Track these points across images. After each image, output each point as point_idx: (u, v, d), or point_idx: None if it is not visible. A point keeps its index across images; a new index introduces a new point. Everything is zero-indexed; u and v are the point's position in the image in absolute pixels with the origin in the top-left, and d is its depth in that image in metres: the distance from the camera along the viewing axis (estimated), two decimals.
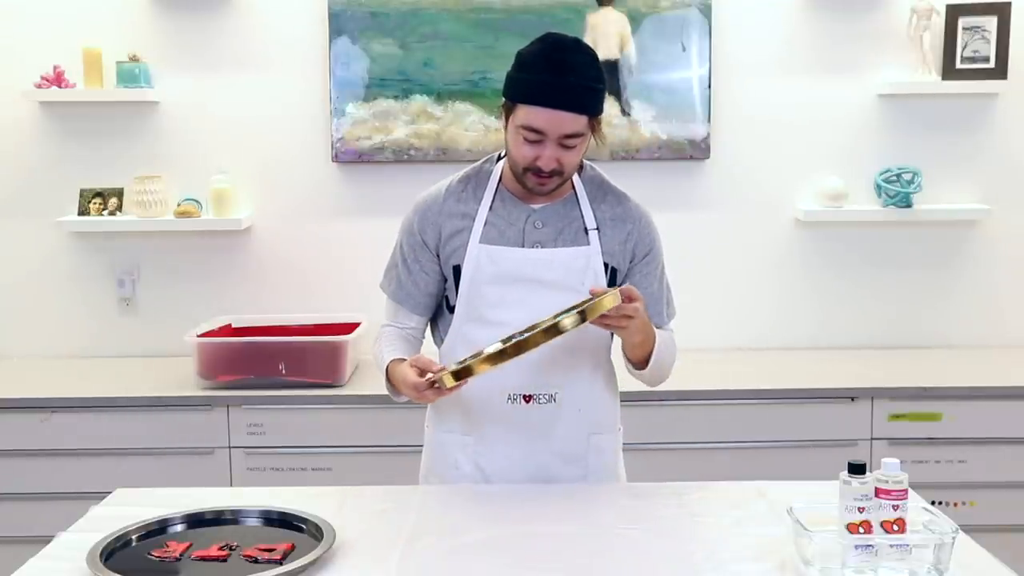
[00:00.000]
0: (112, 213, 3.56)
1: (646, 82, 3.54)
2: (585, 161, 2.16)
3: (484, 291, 2.11)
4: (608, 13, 3.50)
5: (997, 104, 3.62)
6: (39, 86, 3.48)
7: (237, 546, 1.82)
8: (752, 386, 3.22)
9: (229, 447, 3.17)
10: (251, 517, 1.96)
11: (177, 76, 3.56)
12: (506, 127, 2.06)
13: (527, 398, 2.11)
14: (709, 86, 3.54)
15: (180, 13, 3.54)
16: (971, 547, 1.82)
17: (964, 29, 3.51)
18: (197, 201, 3.55)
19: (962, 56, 3.52)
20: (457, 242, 2.13)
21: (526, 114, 1.98)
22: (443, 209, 2.15)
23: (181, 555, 1.81)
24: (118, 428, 3.15)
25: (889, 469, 1.74)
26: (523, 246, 2.11)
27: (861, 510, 1.72)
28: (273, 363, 3.22)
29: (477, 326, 2.11)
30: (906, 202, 3.54)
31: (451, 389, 1.92)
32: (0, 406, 3.16)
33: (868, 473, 1.74)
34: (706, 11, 3.51)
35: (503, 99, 2.05)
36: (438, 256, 2.16)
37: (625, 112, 3.55)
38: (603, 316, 1.90)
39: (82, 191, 3.57)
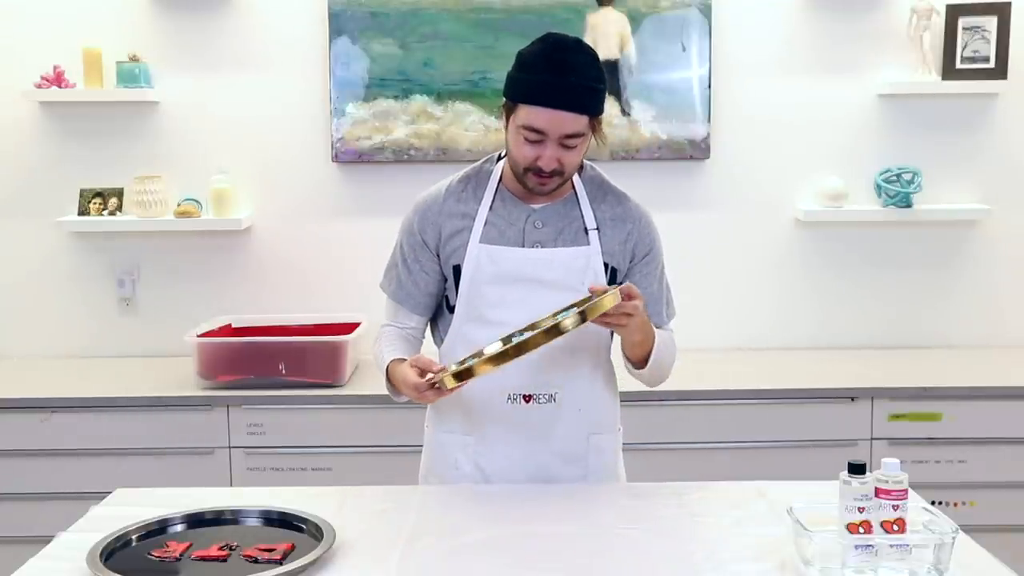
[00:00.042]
0: (112, 213, 3.56)
1: (646, 82, 3.54)
2: (585, 161, 2.16)
3: (484, 291, 2.11)
4: (608, 13, 3.50)
5: (997, 104, 3.62)
6: (39, 86, 3.48)
7: (237, 546, 1.82)
8: (752, 386, 3.22)
9: (229, 447, 3.17)
10: (251, 517, 1.96)
11: (177, 76, 3.56)
12: (507, 127, 2.06)
13: (527, 398, 2.11)
14: (709, 86, 3.54)
15: (180, 13, 3.55)
16: (971, 547, 1.82)
17: (964, 29, 3.51)
18: (197, 201, 3.55)
19: (962, 56, 3.53)
20: (457, 242, 2.13)
21: (527, 114, 1.98)
22: (443, 209, 2.15)
23: (181, 555, 1.81)
24: (118, 428, 3.15)
25: (889, 469, 1.74)
26: (523, 246, 2.11)
27: (861, 510, 1.72)
28: (273, 363, 3.22)
29: (477, 326, 2.11)
30: (906, 202, 3.54)
31: (451, 390, 1.92)
32: (0, 406, 3.16)
33: (868, 473, 1.74)
34: (706, 11, 3.51)
35: (503, 99, 2.05)
36: (438, 256, 2.16)
37: (625, 112, 3.55)
38: (603, 314, 1.90)
39: (82, 191, 3.57)
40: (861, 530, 1.71)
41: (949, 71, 3.53)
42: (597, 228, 2.13)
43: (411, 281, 2.18)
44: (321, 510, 1.94)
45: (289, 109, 3.59)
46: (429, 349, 2.19)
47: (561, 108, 1.96)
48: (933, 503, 2.29)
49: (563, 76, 1.96)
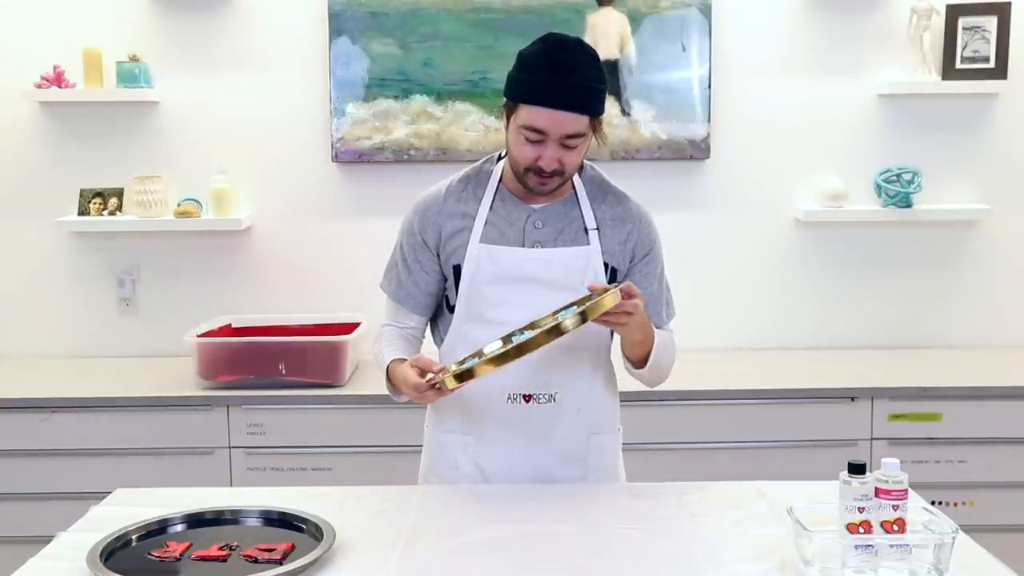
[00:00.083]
0: (112, 213, 3.56)
1: (646, 82, 3.54)
2: (585, 161, 2.16)
3: (484, 291, 2.11)
4: (608, 13, 3.50)
5: (997, 104, 3.62)
6: (39, 86, 3.48)
7: (237, 546, 1.82)
8: (752, 386, 3.22)
9: (229, 447, 3.17)
10: (251, 517, 1.96)
11: (177, 76, 3.56)
12: (507, 127, 2.06)
13: (527, 398, 2.11)
14: (709, 86, 3.54)
15: (180, 13, 3.55)
16: (971, 547, 1.82)
17: (964, 29, 3.51)
18: (197, 201, 3.55)
19: (962, 56, 3.53)
20: (457, 242, 2.13)
21: (528, 114, 1.98)
22: (443, 209, 2.15)
23: (181, 555, 1.81)
24: (118, 428, 3.15)
25: (889, 469, 1.74)
26: (523, 246, 2.11)
27: (861, 510, 1.72)
28: (273, 363, 3.22)
29: (477, 326, 2.11)
30: (906, 202, 3.54)
31: (452, 390, 1.92)
32: (0, 406, 3.16)
33: (868, 473, 1.74)
34: (706, 11, 3.51)
35: (504, 99, 2.05)
36: (438, 256, 2.16)
37: (625, 112, 3.55)
38: (603, 313, 1.90)
39: (82, 191, 3.57)
40: (861, 530, 1.71)
41: (949, 71, 3.53)
42: (597, 228, 2.13)
43: (411, 281, 2.18)
44: (321, 510, 1.94)
45: (289, 109, 3.59)
46: (429, 349, 2.19)
47: (562, 108, 1.96)
48: (933, 503, 2.29)
49: (564, 76, 1.96)
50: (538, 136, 1.99)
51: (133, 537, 1.87)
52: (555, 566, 1.77)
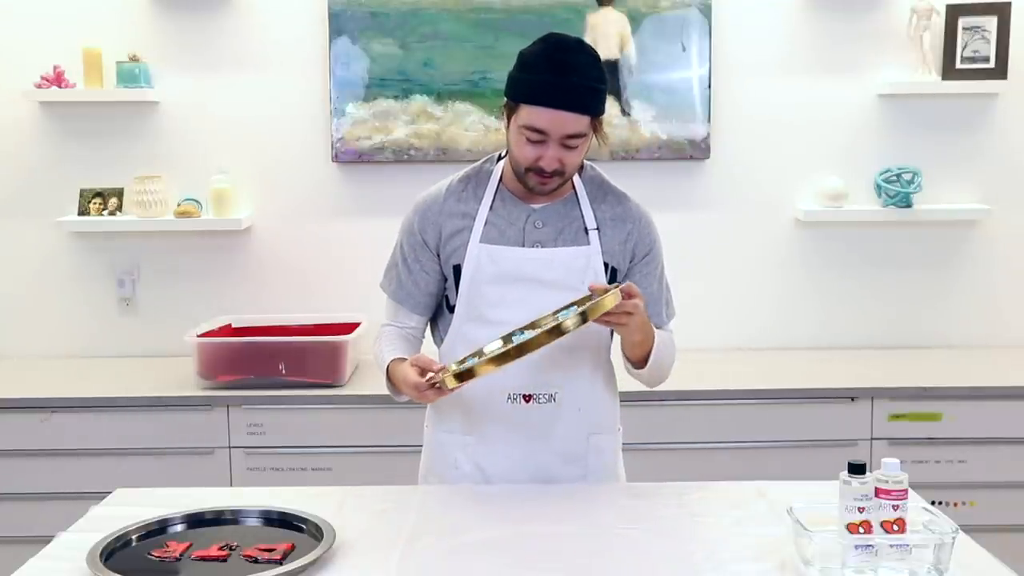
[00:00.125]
0: (112, 213, 3.56)
1: (646, 82, 3.54)
2: (585, 161, 2.16)
3: (484, 290, 2.11)
4: (608, 13, 3.50)
5: (997, 104, 3.62)
6: (39, 86, 3.48)
7: (237, 546, 1.82)
8: (752, 386, 3.22)
9: (229, 447, 3.17)
10: (251, 517, 1.96)
11: (177, 76, 3.56)
12: (508, 127, 2.06)
13: (527, 398, 2.11)
14: (709, 86, 3.54)
15: (180, 13, 3.55)
16: (971, 547, 1.82)
17: (964, 29, 3.51)
18: (197, 201, 3.55)
19: (962, 56, 3.52)
20: (457, 241, 2.13)
21: (528, 114, 1.98)
22: (443, 209, 2.15)
23: (181, 555, 1.81)
24: (118, 428, 3.15)
25: (889, 469, 1.74)
26: (523, 246, 2.11)
27: (861, 510, 1.72)
28: (273, 363, 3.22)
29: (477, 325, 2.11)
30: (906, 202, 3.54)
31: (452, 389, 1.92)
32: (0, 406, 3.16)
33: (868, 473, 1.74)
34: (706, 11, 3.51)
35: (505, 99, 2.05)
36: (438, 256, 2.16)
37: (625, 112, 3.55)
38: (604, 314, 1.90)
39: (82, 191, 3.57)
40: (861, 530, 1.71)
41: (949, 71, 3.53)
42: (597, 228, 2.13)
43: (411, 281, 2.18)
44: (321, 510, 1.94)
45: (289, 109, 3.59)
46: (429, 349, 2.19)
47: (563, 108, 1.96)
48: (933, 503, 2.29)
49: (565, 76, 1.96)
50: (539, 136, 1.99)
51: (133, 537, 1.87)
52: (555, 566, 1.77)
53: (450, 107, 3.53)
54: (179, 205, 3.53)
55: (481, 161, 2.21)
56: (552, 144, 1.99)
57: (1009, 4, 3.50)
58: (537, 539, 1.88)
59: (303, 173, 3.62)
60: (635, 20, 3.51)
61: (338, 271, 3.62)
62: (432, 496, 2.14)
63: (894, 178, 3.55)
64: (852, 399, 3.18)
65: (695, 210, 3.64)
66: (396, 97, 3.53)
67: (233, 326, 3.45)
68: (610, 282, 2.12)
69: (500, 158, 2.18)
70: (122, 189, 3.57)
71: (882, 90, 3.57)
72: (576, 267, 2.10)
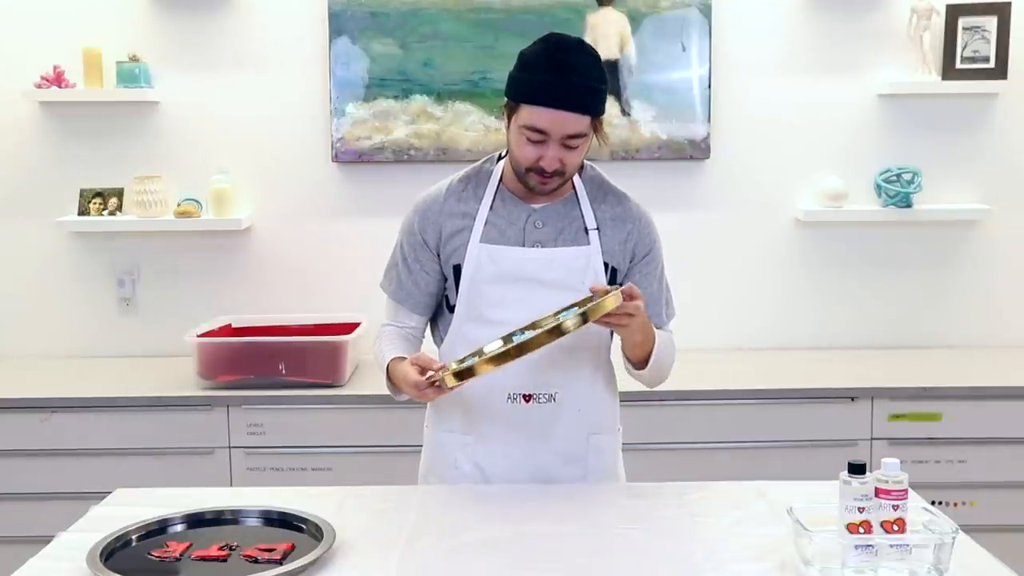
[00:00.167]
0: (112, 213, 3.56)
1: (646, 82, 3.54)
2: (585, 161, 2.16)
3: (484, 290, 2.11)
4: (608, 13, 3.50)
5: (997, 104, 3.62)
6: (39, 86, 3.48)
7: (237, 546, 1.82)
8: (752, 386, 3.22)
9: (229, 447, 3.17)
10: (251, 517, 1.96)
11: (177, 76, 3.56)
12: (508, 127, 2.06)
13: (527, 398, 2.11)
14: (709, 86, 3.54)
15: (180, 13, 3.55)
16: (971, 547, 1.82)
17: (964, 29, 3.51)
18: (197, 201, 3.55)
19: (962, 56, 3.52)
20: (457, 241, 2.13)
21: (529, 114, 1.98)
22: (443, 209, 2.15)
23: (181, 555, 1.81)
24: (118, 428, 3.15)
25: (889, 469, 1.74)
26: (523, 245, 2.11)
27: (861, 510, 1.72)
28: (273, 363, 3.22)
29: (477, 325, 2.11)
30: (906, 202, 3.54)
31: (452, 388, 1.92)
32: (0, 406, 3.16)
33: (868, 473, 1.74)
34: (706, 11, 3.51)
35: (505, 99, 2.05)
36: (438, 256, 2.16)
37: (625, 112, 3.55)
38: (605, 315, 1.90)
39: (82, 191, 3.57)
40: (861, 530, 1.71)
41: (949, 71, 3.53)
42: (597, 228, 2.13)
43: (411, 281, 2.18)
44: (321, 510, 1.94)
45: (289, 109, 3.59)
46: (429, 348, 2.19)
47: (563, 108, 1.96)
48: (933, 503, 2.29)
49: (565, 76, 1.96)
50: (539, 136, 1.99)
51: (133, 537, 1.87)
52: (555, 566, 1.77)
53: (450, 107, 3.53)
54: (179, 205, 3.53)
55: (481, 161, 2.21)
56: (552, 144, 1.99)
57: (1009, 4, 3.50)
58: (537, 539, 1.88)
59: (303, 173, 3.62)
60: (635, 20, 3.51)
61: (338, 271, 3.62)
62: (432, 496, 2.14)
63: (894, 178, 3.55)
64: (852, 399, 3.18)
65: (695, 210, 3.64)
66: (396, 97, 3.53)
67: (233, 326, 3.45)
68: (610, 282, 2.12)
69: (500, 158, 2.18)
70: (122, 189, 3.57)
71: (882, 90, 3.57)
72: (576, 267, 2.10)
